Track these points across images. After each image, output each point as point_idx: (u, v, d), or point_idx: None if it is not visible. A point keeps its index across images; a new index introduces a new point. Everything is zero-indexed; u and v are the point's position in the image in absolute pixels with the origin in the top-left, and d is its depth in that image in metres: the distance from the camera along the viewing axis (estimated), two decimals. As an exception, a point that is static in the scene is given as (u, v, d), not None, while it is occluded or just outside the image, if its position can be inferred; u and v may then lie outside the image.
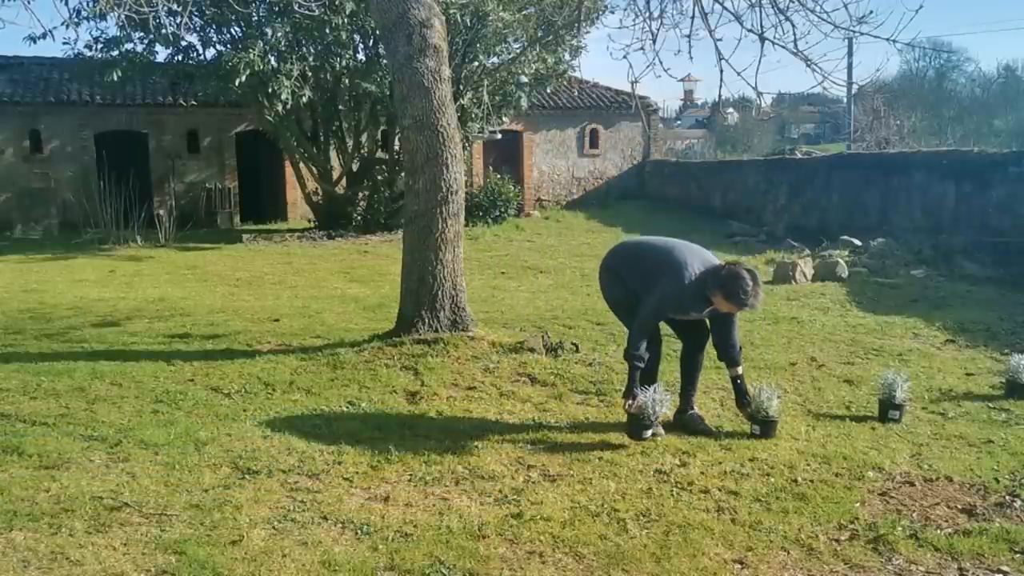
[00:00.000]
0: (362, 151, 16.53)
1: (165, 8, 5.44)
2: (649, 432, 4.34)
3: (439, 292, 6.24)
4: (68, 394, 5.19)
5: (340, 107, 15.92)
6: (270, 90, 13.79)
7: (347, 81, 15.21)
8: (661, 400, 4.35)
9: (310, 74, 14.61)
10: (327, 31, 13.75)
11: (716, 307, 4.35)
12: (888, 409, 4.76)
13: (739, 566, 3.12)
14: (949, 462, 4.14)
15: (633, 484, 3.84)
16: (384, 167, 16.70)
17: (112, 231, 14.99)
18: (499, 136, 17.64)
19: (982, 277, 9.99)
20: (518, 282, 10.51)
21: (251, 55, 13.17)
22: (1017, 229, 10.53)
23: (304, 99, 14.42)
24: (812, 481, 3.89)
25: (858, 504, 3.64)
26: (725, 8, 6.25)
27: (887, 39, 5.73)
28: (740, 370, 4.59)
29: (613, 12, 22.19)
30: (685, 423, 4.61)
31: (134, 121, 17.93)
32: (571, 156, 21.65)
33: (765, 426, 4.42)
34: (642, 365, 4.44)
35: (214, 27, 14.71)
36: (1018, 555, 3.19)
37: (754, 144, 35.47)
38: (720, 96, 57.09)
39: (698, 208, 18.73)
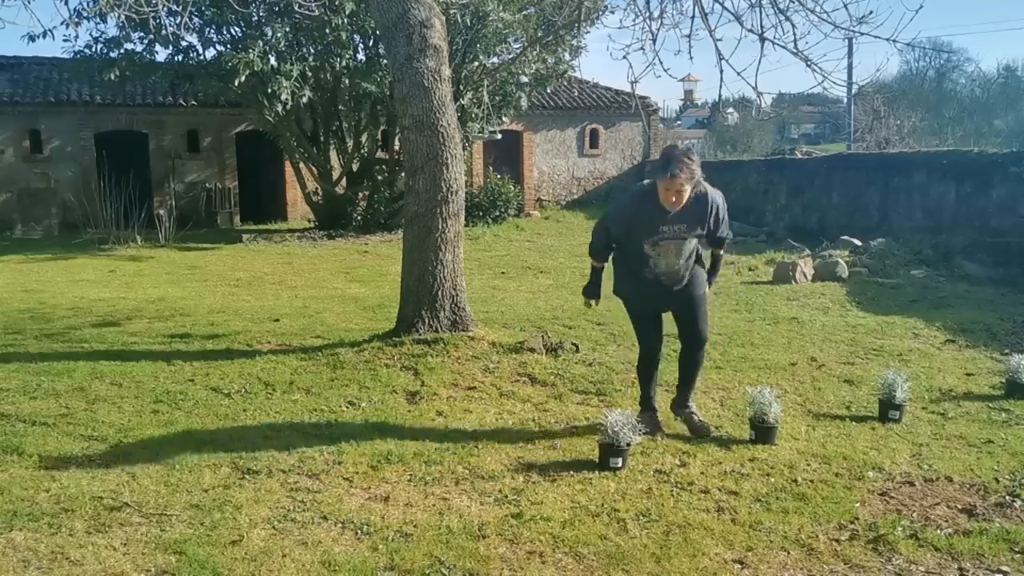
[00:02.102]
0: (362, 151, 16.54)
1: (165, 8, 5.44)
2: (620, 461, 4.00)
3: (439, 292, 6.24)
4: (68, 394, 5.19)
5: (340, 107, 15.92)
6: (270, 90, 13.79)
7: (347, 81, 15.21)
8: (632, 426, 4.02)
9: (310, 74, 14.61)
10: (327, 31, 13.75)
11: (662, 201, 4.21)
12: (888, 409, 4.76)
13: (739, 566, 3.12)
14: (949, 462, 4.14)
15: (633, 484, 3.84)
16: (384, 167, 16.71)
17: (112, 231, 14.99)
18: (499, 136, 17.65)
19: (982, 277, 9.98)
20: (518, 282, 10.51)
21: (251, 55, 13.17)
22: (1017, 229, 10.53)
23: (304, 99, 14.42)
24: (812, 481, 3.89)
25: (858, 504, 3.64)
26: (725, 8, 6.25)
27: (887, 39, 5.73)
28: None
29: (613, 12, 22.21)
30: (683, 419, 4.63)
31: (134, 121, 17.94)
32: (571, 156, 21.65)
33: (764, 433, 4.40)
34: (598, 264, 4.77)
35: (214, 27, 14.72)
36: (1018, 555, 3.18)
37: (754, 144, 35.48)
38: (720, 96, 57.21)
39: (698, 208, 18.70)
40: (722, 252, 4.64)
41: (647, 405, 4.64)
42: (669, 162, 4.13)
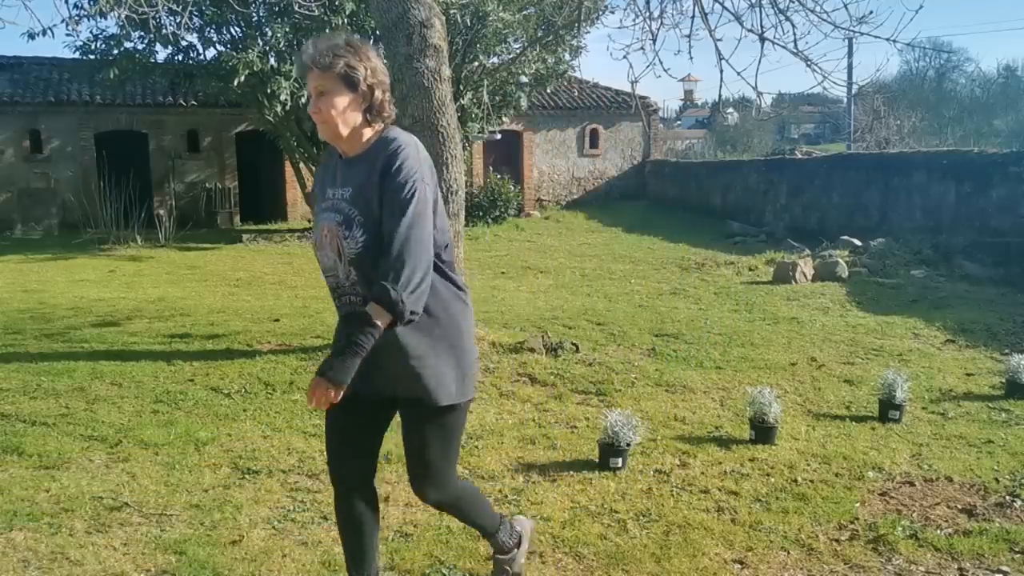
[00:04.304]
0: (362, 151, 16.53)
1: (165, 8, 5.44)
2: (620, 461, 3.97)
3: (439, 292, 6.23)
4: (68, 394, 5.19)
5: (340, 107, 15.91)
6: (270, 90, 13.79)
7: (347, 81, 15.20)
8: (631, 426, 3.98)
9: (310, 74, 14.59)
10: (327, 31, 13.75)
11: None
12: (888, 409, 4.76)
13: (739, 566, 3.12)
14: (949, 462, 4.14)
15: (633, 484, 3.84)
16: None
17: (112, 231, 15.00)
18: (499, 136, 17.65)
19: (982, 277, 9.98)
20: (518, 282, 10.51)
21: (251, 55, 13.18)
22: (1017, 229, 10.53)
23: (304, 99, 14.42)
24: (812, 481, 3.89)
25: (858, 504, 3.64)
26: (725, 8, 6.25)
27: (887, 39, 5.74)
28: (377, 312, 2.21)
29: (613, 12, 22.22)
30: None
31: (134, 121, 17.94)
32: (571, 156, 21.65)
33: (764, 433, 4.39)
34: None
35: (214, 27, 14.71)
36: (1018, 555, 3.18)
37: (754, 144, 35.45)
38: (720, 96, 57.20)
39: (698, 208, 18.74)
40: (365, 322, 2.20)
41: None
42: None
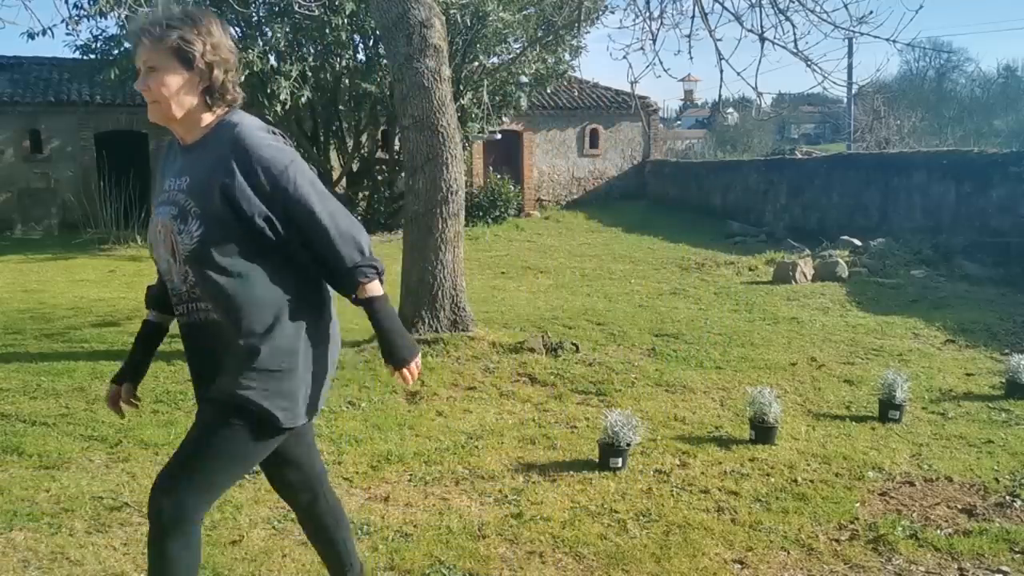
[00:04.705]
0: (362, 151, 16.54)
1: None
2: (620, 461, 3.97)
3: (439, 292, 6.24)
4: (68, 394, 5.19)
5: (340, 107, 15.92)
6: (270, 90, 13.79)
7: (347, 81, 15.21)
8: (631, 426, 3.98)
9: (310, 74, 14.61)
10: (327, 31, 13.75)
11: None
12: (888, 409, 4.76)
13: (739, 566, 3.12)
14: (949, 462, 4.14)
15: (633, 484, 3.84)
16: (384, 167, 16.70)
17: (112, 231, 15.00)
18: (499, 136, 17.65)
19: (982, 277, 9.98)
20: (518, 282, 10.51)
21: (251, 55, 13.17)
22: (1017, 229, 10.54)
23: (304, 99, 14.43)
24: (812, 481, 3.89)
25: (858, 504, 3.64)
26: (725, 8, 6.26)
27: (887, 39, 5.75)
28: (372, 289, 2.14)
29: (613, 12, 22.23)
30: None
31: (134, 121, 17.92)
32: (571, 156, 21.65)
33: (764, 433, 4.39)
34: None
35: (214, 27, 14.71)
36: (1018, 555, 3.18)
37: (754, 144, 35.45)
38: (720, 96, 57.19)
39: (698, 208, 18.73)
40: (376, 304, 2.13)
41: None
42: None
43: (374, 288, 2.13)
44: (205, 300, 2.10)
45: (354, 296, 2.14)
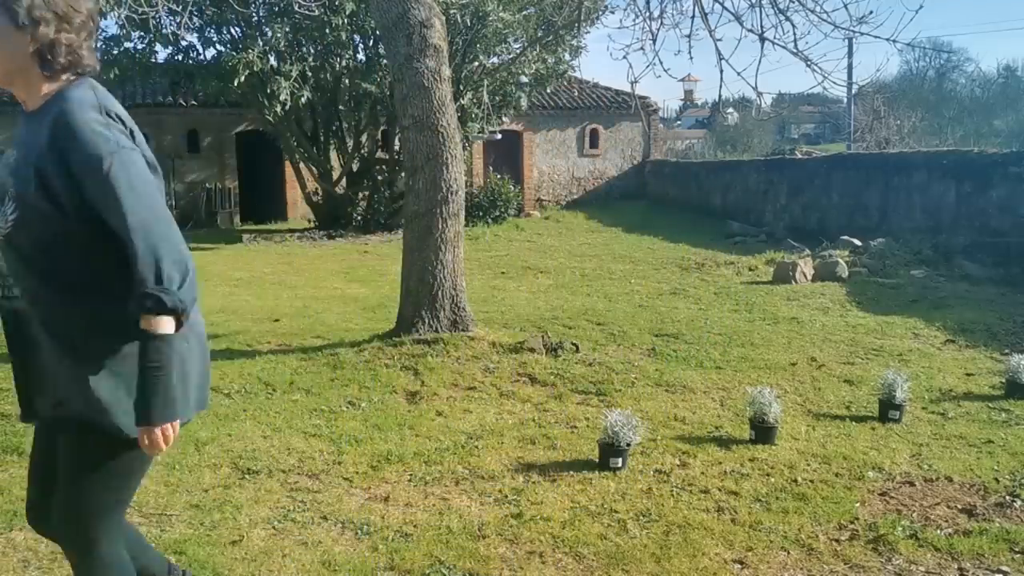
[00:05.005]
0: (362, 151, 16.55)
1: (165, 8, 5.44)
2: (620, 461, 3.97)
3: (439, 292, 6.24)
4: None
5: (340, 107, 15.93)
6: (270, 90, 13.81)
7: (347, 81, 15.22)
8: (631, 426, 3.99)
9: (310, 74, 14.62)
10: (327, 31, 13.76)
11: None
12: (888, 409, 4.76)
13: (739, 566, 3.12)
14: (949, 462, 4.14)
15: (633, 484, 3.84)
16: (384, 167, 16.71)
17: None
18: (499, 136, 17.66)
19: (982, 277, 9.98)
20: (518, 282, 10.51)
21: (251, 55, 13.19)
22: (1017, 229, 10.53)
23: (304, 99, 14.43)
24: (812, 481, 3.89)
25: (858, 504, 3.64)
26: (725, 8, 6.26)
27: (887, 39, 5.75)
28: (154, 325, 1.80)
29: (613, 12, 22.23)
30: None
31: (134, 121, 17.93)
32: (571, 156, 21.66)
33: (764, 433, 4.39)
34: None
35: (214, 27, 14.73)
36: (1018, 555, 3.18)
37: (754, 144, 35.44)
38: (720, 96, 57.22)
39: (698, 208, 18.74)
40: (151, 344, 1.79)
41: None
42: None
43: (157, 325, 1.77)
44: (18, 288, 1.90)
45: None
